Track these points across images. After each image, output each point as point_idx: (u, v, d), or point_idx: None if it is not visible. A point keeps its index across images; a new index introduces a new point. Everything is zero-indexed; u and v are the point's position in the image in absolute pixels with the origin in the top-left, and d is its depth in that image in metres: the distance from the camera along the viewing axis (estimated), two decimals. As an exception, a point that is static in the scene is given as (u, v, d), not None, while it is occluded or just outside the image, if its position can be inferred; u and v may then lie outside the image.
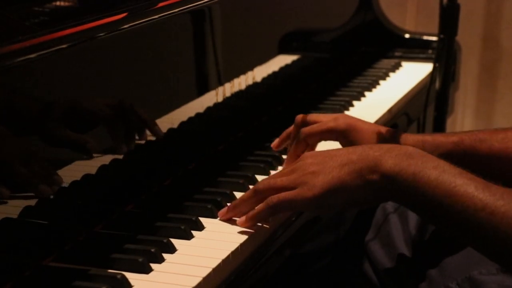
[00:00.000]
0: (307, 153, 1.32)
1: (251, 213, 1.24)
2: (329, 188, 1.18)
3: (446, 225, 1.16)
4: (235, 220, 1.27)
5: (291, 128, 1.49)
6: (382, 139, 1.44)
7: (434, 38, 2.21)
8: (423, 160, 1.15)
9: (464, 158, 1.33)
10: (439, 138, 1.45)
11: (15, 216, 1.13)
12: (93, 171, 1.30)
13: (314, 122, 1.46)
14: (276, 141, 1.51)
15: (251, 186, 1.33)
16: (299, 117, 1.49)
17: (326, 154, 1.26)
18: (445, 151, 1.37)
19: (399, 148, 1.20)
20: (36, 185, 1.17)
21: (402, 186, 1.14)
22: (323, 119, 1.47)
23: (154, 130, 1.44)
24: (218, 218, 1.28)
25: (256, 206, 1.23)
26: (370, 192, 1.18)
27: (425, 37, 2.38)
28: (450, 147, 1.41)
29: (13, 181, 1.13)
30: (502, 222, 1.05)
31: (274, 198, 1.20)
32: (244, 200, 1.26)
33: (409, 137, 1.45)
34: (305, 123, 1.47)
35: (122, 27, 1.36)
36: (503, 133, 1.45)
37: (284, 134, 1.50)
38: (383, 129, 1.47)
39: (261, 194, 1.23)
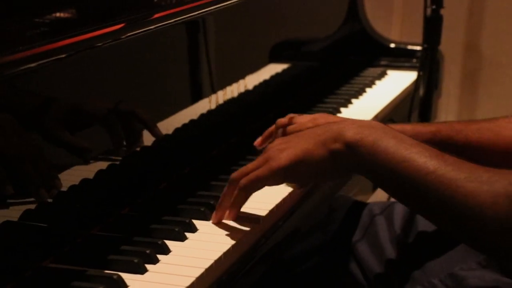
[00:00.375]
0: (281, 138, 1.33)
1: (232, 204, 1.25)
2: (295, 158, 1.20)
3: (400, 191, 1.17)
4: (227, 222, 1.27)
5: (273, 127, 1.49)
6: None
7: (418, 48, 2.22)
8: (384, 131, 1.18)
9: (441, 147, 1.34)
10: (418, 127, 1.46)
11: (15, 219, 1.13)
12: (90, 175, 1.29)
13: (295, 123, 1.47)
14: (259, 139, 1.52)
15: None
16: (281, 119, 1.50)
17: (294, 135, 1.30)
18: (423, 139, 1.37)
19: (361, 121, 1.24)
20: (36, 188, 1.17)
21: (363, 153, 1.16)
22: (302, 120, 1.47)
23: (153, 132, 1.44)
24: (211, 221, 1.28)
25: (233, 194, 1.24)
26: (334, 161, 1.19)
27: (410, 47, 2.38)
28: (428, 136, 1.41)
29: (15, 184, 1.13)
30: (450, 186, 1.06)
31: (243, 180, 1.22)
32: (225, 194, 1.26)
33: (392, 125, 1.45)
34: (286, 124, 1.47)
35: (120, 37, 1.36)
36: (477, 124, 1.47)
37: (266, 132, 1.51)
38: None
39: (236, 182, 1.24)
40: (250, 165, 1.25)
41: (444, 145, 1.38)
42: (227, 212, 1.26)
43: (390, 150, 1.13)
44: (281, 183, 1.28)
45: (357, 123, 1.21)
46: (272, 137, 1.48)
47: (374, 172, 1.18)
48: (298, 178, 1.28)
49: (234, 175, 1.26)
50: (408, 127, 1.45)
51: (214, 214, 1.27)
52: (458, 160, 1.10)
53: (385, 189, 1.23)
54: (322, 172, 1.24)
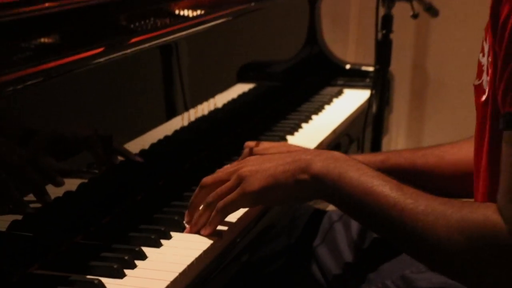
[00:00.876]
0: (251, 157, 1.32)
1: (209, 223, 1.23)
2: (266, 185, 1.19)
3: (366, 220, 1.17)
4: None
5: (244, 151, 1.49)
6: None
7: (371, 69, 2.22)
8: (347, 163, 1.17)
9: (390, 173, 1.35)
10: (368, 157, 1.47)
11: (4, 229, 1.12)
12: (73, 188, 1.28)
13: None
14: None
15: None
16: (249, 143, 1.50)
17: (265, 156, 1.29)
18: (374, 168, 1.38)
19: (327, 153, 1.23)
20: (23, 202, 1.16)
21: (329, 185, 1.15)
22: (267, 146, 1.47)
23: (125, 153, 1.43)
24: (185, 232, 1.27)
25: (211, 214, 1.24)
26: (302, 190, 1.19)
27: (363, 68, 2.39)
28: (378, 164, 1.42)
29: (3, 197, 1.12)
30: (410, 218, 1.06)
31: (221, 203, 1.21)
32: (201, 214, 1.25)
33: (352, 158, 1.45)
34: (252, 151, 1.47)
35: (98, 60, 1.35)
36: (423, 150, 1.48)
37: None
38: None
39: (213, 204, 1.23)
40: (224, 187, 1.23)
41: (394, 171, 1.38)
42: (203, 229, 1.24)
43: (354, 183, 1.13)
44: (253, 206, 1.29)
45: (323, 155, 1.20)
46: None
47: (339, 201, 1.17)
48: (267, 202, 1.28)
49: (210, 199, 1.24)
50: (360, 157, 1.45)
51: (189, 228, 1.26)
52: (416, 191, 1.09)
53: (350, 216, 1.23)
54: (290, 198, 1.23)
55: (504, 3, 0.98)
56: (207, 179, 1.27)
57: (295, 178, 1.18)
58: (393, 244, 1.19)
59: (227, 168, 1.29)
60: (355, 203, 1.13)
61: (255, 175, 1.20)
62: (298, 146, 1.51)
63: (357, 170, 1.14)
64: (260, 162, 1.24)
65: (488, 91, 1.10)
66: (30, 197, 1.18)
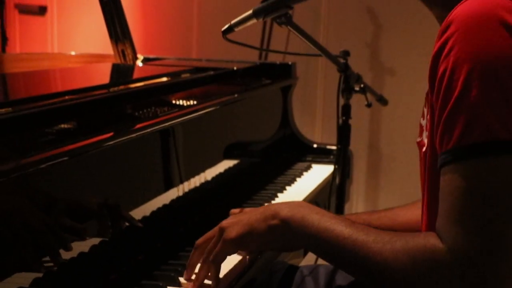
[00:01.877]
0: (232, 216, 1.32)
1: (211, 277, 1.23)
2: (243, 231, 1.20)
3: (326, 254, 1.16)
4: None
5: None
6: None
7: (334, 147, 2.24)
8: (309, 209, 1.17)
9: None
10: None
11: (27, 286, 1.10)
12: (86, 249, 1.27)
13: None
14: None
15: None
16: (234, 210, 1.49)
17: (241, 213, 1.29)
18: None
19: (293, 201, 1.24)
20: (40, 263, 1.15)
21: (294, 227, 1.15)
22: (247, 211, 1.47)
23: (130, 219, 1.42)
24: None
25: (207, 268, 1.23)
26: (273, 233, 1.19)
27: (328, 147, 2.41)
28: None
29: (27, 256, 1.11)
30: (362, 247, 1.05)
31: (211, 257, 1.21)
32: (200, 270, 1.24)
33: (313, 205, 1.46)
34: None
35: (108, 143, 1.35)
36: (378, 213, 1.48)
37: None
38: None
39: (207, 260, 1.22)
40: (212, 243, 1.23)
41: None
42: (211, 283, 1.23)
43: (315, 223, 1.13)
44: (236, 251, 1.27)
45: (290, 204, 1.21)
46: None
47: (305, 240, 1.16)
48: (246, 247, 1.26)
49: (206, 256, 1.24)
50: None
51: (192, 285, 1.25)
52: (366, 226, 1.10)
53: (315, 253, 1.22)
54: (265, 242, 1.22)
55: (441, 64, 0.99)
56: (199, 241, 1.27)
57: (267, 224, 1.18)
58: (349, 273, 1.17)
59: (214, 228, 1.29)
60: (316, 239, 1.12)
61: (233, 225, 1.21)
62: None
63: (317, 213, 1.15)
64: (238, 216, 1.25)
65: (427, 142, 1.10)
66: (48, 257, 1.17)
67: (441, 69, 0.99)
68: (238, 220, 1.22)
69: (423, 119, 1.15)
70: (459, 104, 0.95)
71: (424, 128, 1.13)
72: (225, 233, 1.21)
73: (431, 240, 0.99)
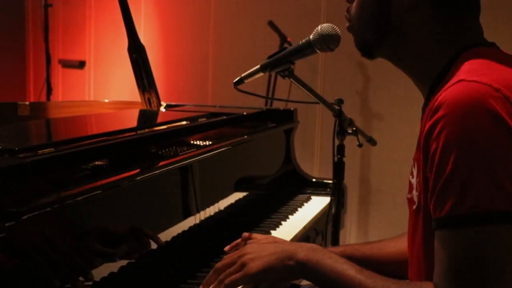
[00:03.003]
0: (249, 245, 1.28)
1: None
2: (262, 268, 1.17)
3: None
4: None
5: (239, 240, 1.46)
6: None
7: (330, 181, 2.22)
8: (323, 253, 1.15)
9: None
10: (330, 249, 1.43)
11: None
12: (115, 269, 1.25)
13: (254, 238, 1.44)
14: (228, 246, 1.46)
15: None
16: (245, 233, 1.47)
17: (260, 246, 1.25)
18: None
19: (308, 245, 1.21)
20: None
21: (309, 269, 1.14)
22: (258, 237, 1.45)
23: (157, 241, 1.41)
24: None
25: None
26: (289, 272, 1.16)
27: (325, 181, 2.39)
28: (338, 254, 1.38)
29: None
30: None
31: (227, 281, 1.18)
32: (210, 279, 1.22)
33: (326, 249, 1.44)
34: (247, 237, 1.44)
35: (136, 178, 1.35)
36: (370, 244, 1.45)
37: (234, 243, 1.46)
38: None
39: (223, 283, 1.19)
40: (232, 269, 1.20)
41: (350, 259, 1.37)
42: None
43: (328, 267, 1.12)
44: (252, 284, 1.24)
45: (305, 246, 1.19)
46: (237, 246, 1.45)
47: (318, 281, 1.15)
48: (262, 281, 1.24)
49: (218, 265, 1.22)
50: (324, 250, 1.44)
51: None
52: (374, 274, 1.08)
53: None
54: (280, 279, 1.21)
55: (432, 142, 0.98)
56: (218, 265, 1.23)
57: (284, 264, 1.16)
58: None
59: (233, 254, 1.26)
60: (329, 282, 1.11)
61: (254, 261, 1.18)
62: (281, 239, 1.47)
63: (329, 258, 1.13)
64: (257, 251, 1.21)
65: (418, 202, 1.09)
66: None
67: (432, 147, 0.98)
68: (258, 256, 1.19)
69: (412, 177, 1.13)
70: (450, 180, 0.95)
71: (414, 187, 1.12)
72: (246, 268, 1.18)
73: None
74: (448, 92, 0.97)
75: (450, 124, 0.95)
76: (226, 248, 1.46)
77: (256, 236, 1.46)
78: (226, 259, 1.25)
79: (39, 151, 1.24)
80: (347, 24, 1.20)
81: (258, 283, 1.29)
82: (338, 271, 1.10)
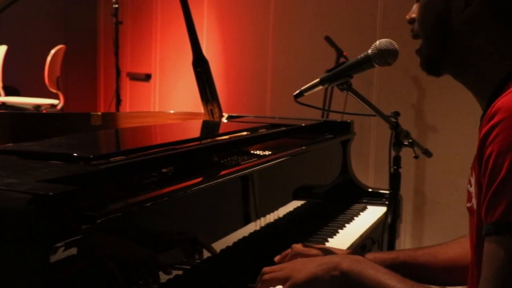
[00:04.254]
0: (298, 259, 1.30)
1: None
2: (309, 278, 1.16)
3: None
4: None
5: (289, 250, 1.44)
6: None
7: (386, 191, 2.19)
8: (366, 264, 1.14)
9: (400, 267, 1.33)
10: (383, 255, 1.42)
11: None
12: (179, 272, 1.26)
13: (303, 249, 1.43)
14: (278, 257, 1.46)
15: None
16: (295, 245, 1.46)
17: (308, 259, 1.25)
18: (388, 263, 1.35)
19: (352, 256, 1.20)
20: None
21: (353, 279, 1.13)
22: (307, 248, 1.43)
23: (211, 249, 1.41)
24: None
25: None
26: (334, 282, 1.15)
27: (381, 191, 2.35)
28: (390, 260, 1.37)
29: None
30: None
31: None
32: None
33: (368, 255, 1.41)
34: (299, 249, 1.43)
35: (199, 187, 1.35)
36: (422, 250, 1.42)
37: (283, 253, 1.46)
38: (349, 251, 1.45)
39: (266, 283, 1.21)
40: (280, 275, 1.20)
41: (402, 266, 1.35)
42: None
43: (371, 276, 1.10)
44: None
45: (349, 257, 1.18)
46: (286, 256, 1.43)
47: None
48: None
49: (266, 270, 1.23)
50: (377, 255, 1.41)
51: None
52: (414, 283, 1.07)
53: None
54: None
55: (487, 147, 0.96)
56: (266, 269, 1.25)
57: (330, 274, 1.15)
58: None
59: (282, 264, 1.26)
60: None
61: (301, 272, 1.18)
62: (331, 251, 1.45)
63: (372, 268, 1.12)
64: (305, 263, 1.21)
65: (477, 210, 1.06)
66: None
67: (487, 152, 0.96)
68: (305, 268, 1.18)
69: (470, 186, 1.10)
70: (503, 185, 0.93)
71: (473, 196, 1.09)
72: (292, 278, 1.18)
73: None
74: (505, 99, 0.96)
75: (506, 130, 0.93)
76: (276, 259, 1.46)
77: (306, 248, 1.44)
78: (275, 267, 1.25)
79: (111, 159, 1.27)
80: (416, 48, 1.19)
81: None
82: (380, 281, 1.08)
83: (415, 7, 1.18)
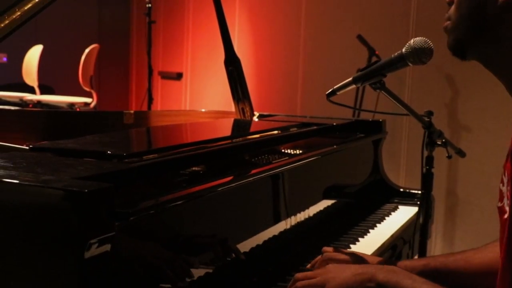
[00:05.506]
0: (331, 265, 1.27)
1: None
2: (343, 287, 1.15)
3: None
4: None
5: (319, 257, 1.42)
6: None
7: (417, 191, 2.16)
8: (402, 274, 1.14)
9: (432, 274, 1.30)
10: (414, 262, 1.40)
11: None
12: (201, 274, 1.26)
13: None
14: (310, 265, 1.43)
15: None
16: (326, 248, 1.44)
17: (343, 266, 1.24)
18: (419, 270, 1.33)
19: (388, 267, 1.19)
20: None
21: None
22: (338, 254, 1.41)
23: (241, 248, 1.41)
24: None
25: None
26: None
27: (413, 191, 2.32)
28: (421, 268, 1.35)
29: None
30: None
31: None
32: None
33: (399, 264, 1.39)
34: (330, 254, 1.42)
35: (230, 185, 1.36)
36: (453, 256, 1.39)
37: (314, 261, 1.43)
38: (379, 259, 1.42)
39: None
40: (314, 281, 1.19)
41: (434, 272, 1.33)
42: None
43: (408, 287, 1.10)
44: None
45: (384, 268, 1.17)
46: (317, 263, 1.41)
47: None
48: None
49: (299, 276, 1.21)
50: (408, 262, 1.40)
51: None
52: None
53: None
54: None
55: None
56: (299, 275, 1.23)
57: (365, 285, 1.14)
58: None
59: (316, 270, 1.25)
60: None
61: (335, 279, 1.17)
62: (361, 256, 1.43)
63: (409, 278, 1.12)
64: (339, 271, 1.20)
65: (509, 210, 1.04)
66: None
67: None
68: (339, 276, 1.17)
69: (503, 185, 1.08)
70: None
71: (505, 195, 1.07)
72: (328, 285, 1.17)
73: None
74: None
75: None
76: (309, 266, 1.44)
77: (336, 252, 1.42)
78: (308, 273, 1.24)
79: (143, 157, 1.28)
80: (443, 24, 1.16)
81: None
82: None
83: None
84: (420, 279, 1.11)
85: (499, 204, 1.10)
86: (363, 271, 1.16)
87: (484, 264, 1.33)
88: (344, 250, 1.43)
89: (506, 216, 1.06)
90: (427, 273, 1.31)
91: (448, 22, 1.15)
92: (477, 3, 1.09)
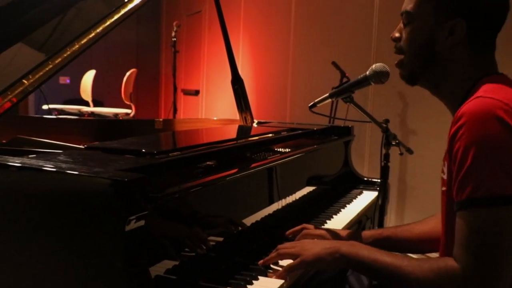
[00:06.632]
0: (306, 240, 1.27)
1: (284, 270, 1.17)
2: (315, 258, 1.14)
3: (376, 277, 1.11)
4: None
5: (299, 227, 1.42)
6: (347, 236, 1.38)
7: (377, 180, 2.16)
8: (360, 246, 1.12)
9: (384, 241, 1.30)
10: (372, 232, 1.39)
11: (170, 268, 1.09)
12: (212, 243, 1.25)
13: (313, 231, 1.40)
14: (290, 231, 1.43)
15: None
16: (306, 225, 1.43)
17: (315, 241, 1.24)
18: (375, 238, 1.33)
19: (349, 242, 1.17)
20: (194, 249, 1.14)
21: (351, 260, 1.10)
22: (313, 229, 1.41)
23: (244, 223, 1.40)
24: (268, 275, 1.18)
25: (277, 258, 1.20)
26: (335, 263, 1.13)
27: (374, 180, 2.31)
28: (377, 236, 1.35)
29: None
30: (401, 270, 1.01)
31: (291, 265, 1.16)
32: (273, 258, 1.21)
33: (362, 232, 1.39)
34: (307, 229, 1.41)
35: (234, 176, 1.35)
36: (401, 227, 1.39)
37: (294, 229, 1.42)
38: (348, 231, 1.41)
39: (280, 256, 1.20)
40: (290, 250, 1.19)
41: (386, 239, 1.32)
42: (280, 273, 1.17)
43: (365, 256, 1.08)
44: (306, 269, 1.21)
45: (347, 243, 1.16)
46: (295, 232, 1.41)
47: (358, 269, 1.12)
48: (314, 268, 1.22)
49: (281, 251, 1.20)
50: (368, 232, 1.39)
51: (270, 274, 1.19)
52: (405, 256, 1.05)
53: (364, 275, 1.17)
54: (328, 266, 1.16)
55: (455, 143, 0.96)
56: (280, 246, 1.22)
57: (332, 256, 1.13)
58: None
59: (294, 243, 1.24)
60: (368, 269, 1.07)
61: (309, 251, 1.16)
62: (331, 231, 1.40)
63: (365, 249, 1.10)
64: (312, 245, 1.18)
65: (446, 191, 1.05)
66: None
67: (456, 147, 0.96)
68: (312, 249, 1.16)
69: (443, 174, 1.09)
70: (469, 171, 0.93)
71: (445, 181, 1.07)
72: (303, 256, 1.15)
73: (449, 263, 0.95)
74: (468, 105, 0.95)
75: (469, 129, 0.93)
76: (288, 232, 1.43)
77: (314, 229, 1.41)
78: (287, 244, 1.22)
79: (170, 154, 1.28)
80: (396, 62, 1.16)
81: (310, 269, 1.26)
82: (373, 258, 1.06)
83: (399, 28, 1.14)
84: (374, 249, 1.09)
85: (443, 189, 1.10)
86: (330, 246, 1.15)
87: (423, 233, 1.34)
88: (321, 228, 1.43)
89: (443, 189, 1.07)
90: (381, 240, 1.32)
91: (402, 56, 1.14)
92: (426, 42, 1.08)
